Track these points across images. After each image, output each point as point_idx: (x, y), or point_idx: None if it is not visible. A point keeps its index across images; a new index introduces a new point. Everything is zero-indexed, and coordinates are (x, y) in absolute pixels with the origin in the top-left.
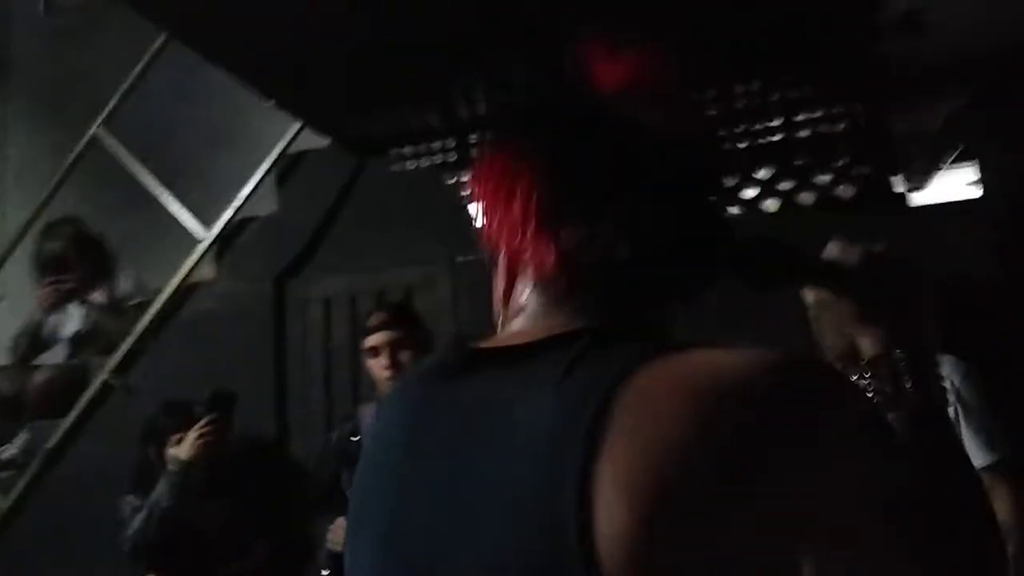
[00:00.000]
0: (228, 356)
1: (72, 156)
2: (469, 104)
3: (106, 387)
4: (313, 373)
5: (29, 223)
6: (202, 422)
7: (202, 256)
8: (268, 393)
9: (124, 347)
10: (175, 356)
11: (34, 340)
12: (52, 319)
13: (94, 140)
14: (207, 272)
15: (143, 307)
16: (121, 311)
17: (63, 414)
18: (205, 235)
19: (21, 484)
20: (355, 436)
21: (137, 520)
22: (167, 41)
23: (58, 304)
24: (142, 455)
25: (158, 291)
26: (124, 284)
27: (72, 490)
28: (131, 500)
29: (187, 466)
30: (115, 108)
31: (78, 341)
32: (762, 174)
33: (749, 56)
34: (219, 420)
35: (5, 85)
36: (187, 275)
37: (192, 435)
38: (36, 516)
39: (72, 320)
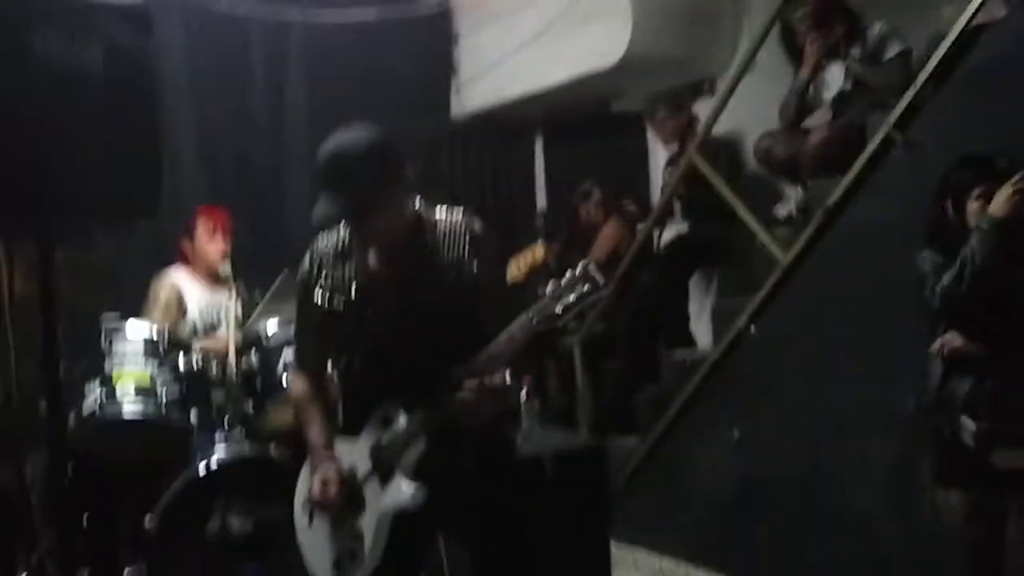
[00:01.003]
0: None
1: None
2: None
3: (886, 142)
4: None
5: None
6: (1017, 177)
7: None
8: None
9: (903, 100)
10: (961, 107)
11: (801, 103)
12: (814, 84)
13: None
14: (994, 11)
15: (905, 57)
16: (880, 65)
17: (841, 172)
18: None
19: (801, 240)
20: None
21: (946, 277)
22: None
23: (824, 59)
24: (936, 210)
25: (938, 37)
26: (877, 36)
27: (853, 246)
28: (929, 255)
29: (1000, 223)
30: None
31: (841, 101)
32: None
33: None
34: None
35: None
36: (972, 16)
37: (1005, 191)
38: (817, 271)
39: (834, 80)
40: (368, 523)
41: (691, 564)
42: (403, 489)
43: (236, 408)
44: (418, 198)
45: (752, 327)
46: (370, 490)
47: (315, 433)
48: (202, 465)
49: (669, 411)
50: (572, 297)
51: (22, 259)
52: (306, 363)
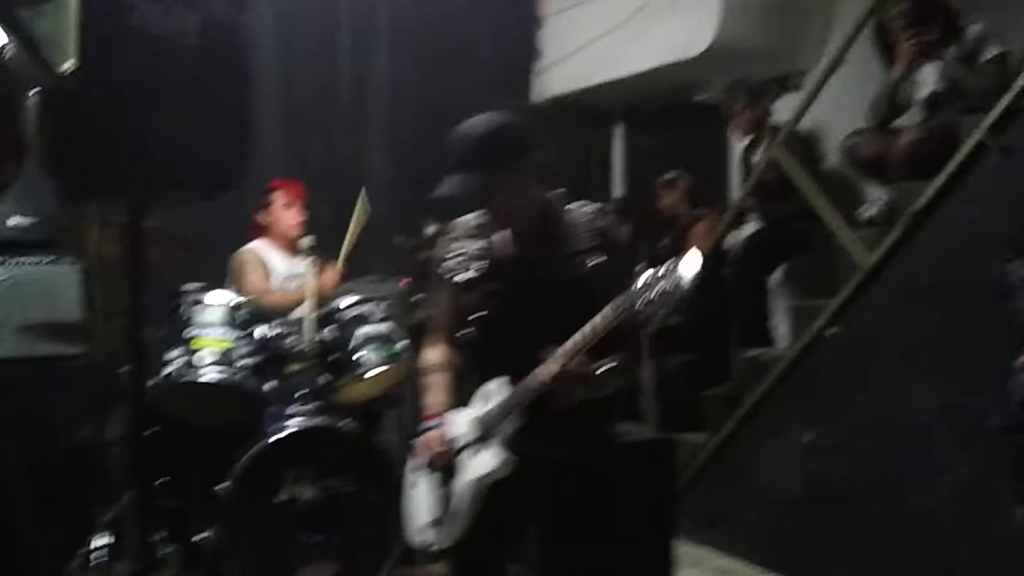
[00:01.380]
0: None
1: None
2: None
3: (980, 148)
4: None
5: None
6: None
7: None
8: None
9: (1000, 104)
10: None
11: (892, 102)
12: (906, 83)
13: None
14: None
15: (1003, 60)
16: (976, 67)
17: (930, 175)
18: None
19: (886, 243)
20: None
21: None
22: None
23: (918, 58)
24: None
25: None
26: (974, 37)
27: (939, 252)
28: (1018, 267)
29: None
30: None
31: (934, 102)
32: None
33: None
34: None
35: None
36: None
37: None
38: (900, 276)
39: (927, 80)
40: (462, 489)
41: (754, 565)
42: (492, 458)
43: (310, 381)
44: (554, 189)
45: (831, 329)
46: (469, 458)
47: (434, 397)
48: (274, 435)
49: (741, 409)
50: (654, 295)
51: (113, 224)
52: (438, 332)
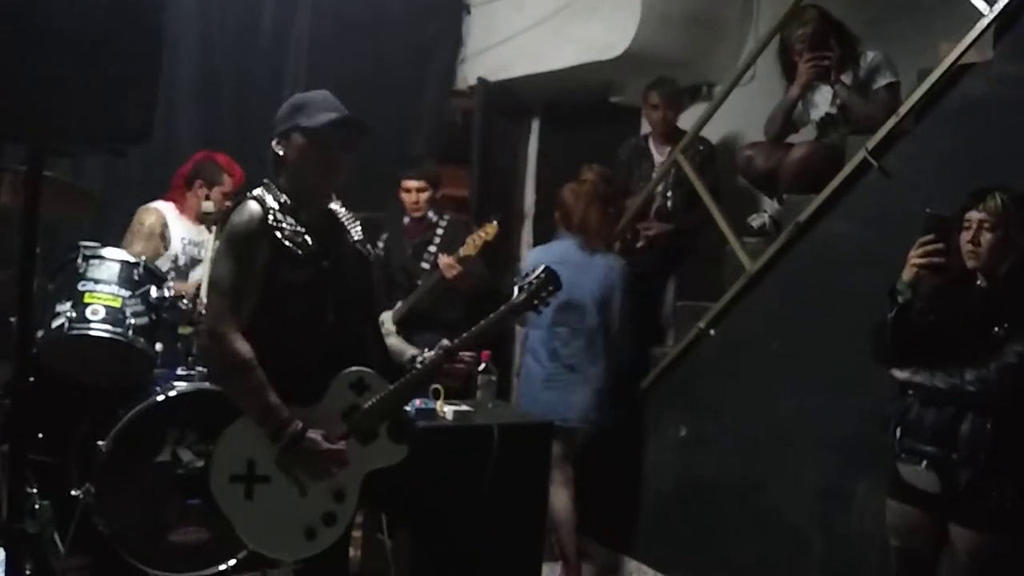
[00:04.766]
0: (998, 145)
1: None
2: None
3: (862, 167)
4: None
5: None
6: (918, 244)
7: (981, 34)
8: None
9: (884, 128)
10: (939, 142)
11: (788, 119)
12: (802, 103)
13: None
14: (982, 53)
15: (893, 88)
16: (868, 93)
17: (816, 190)
18: (988, 11)
19: (769, 251)
20: None
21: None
22: None
23: (815, 80)
24: None
25: (924, 72)
26: (869, 65)
27: (817, 263)
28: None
29: (908, 287)
30: None
31: (826, 123)
32: None
33: None
34: (930, 244)
35: None
36: (960, 55)
37: (911, 256)
38: (779, 283)
39: (821, 102)
40: (352, 483)
41: (624, 555)
42: (393, 447)
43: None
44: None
45: (711, 330)
46: (351, 451)
47: (275, 397)
48: (160, 395)
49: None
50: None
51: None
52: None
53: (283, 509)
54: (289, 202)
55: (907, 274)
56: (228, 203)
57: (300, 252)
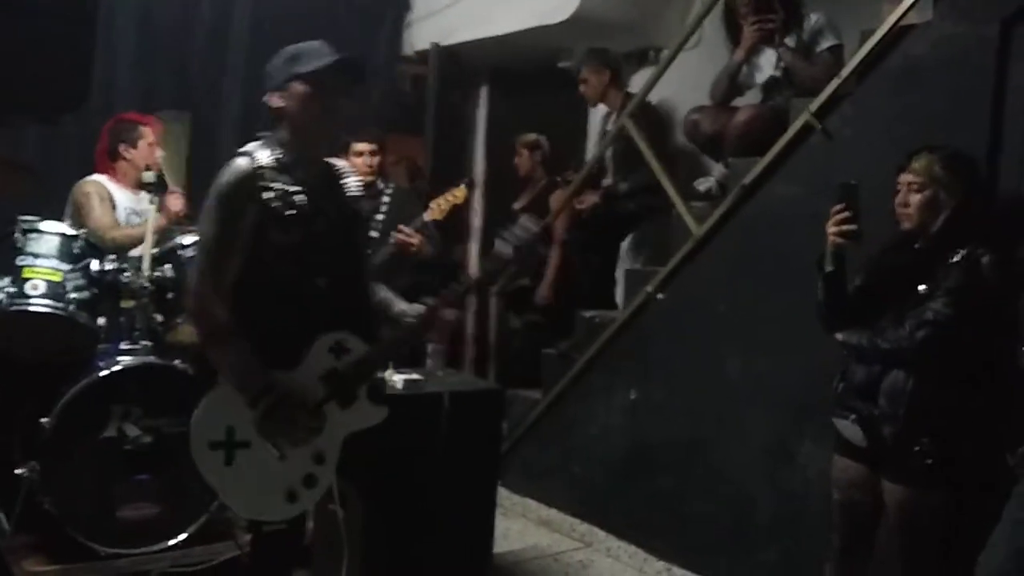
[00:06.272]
0: (940, 106)
1: None
2: None
3: (806, 129)
4: None
5: None
6: (832, 213)
7: None
8: (981, 148)
9: (827, 90)
10: (880, 103)
11: (733, 83)
12: (747, 66)
13: None
14: (922, 14)
15: (836, 51)
16: (811, 56)
17: (760, 153)
18: None
19: (715, 215)
20: None
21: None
22: None
23: (759, 43)
24: None
25: (866, 33)
26: (812, 28)
27: (762, 226)
28: None
29: (833, 256)
30: None
31: (771, 87)
32: None
33: None
34: (841, 212)
35: None
36: (901, 17)
37: (828, 226)
38: (726, 246)
39: (766, 65)
40: (331, 445)
41: (575, 518)
42: (372, 409)
43: (145, 318)
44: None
45: (659, 294)
46: (330, 414)
47: (254, 363)
48: (104, 369)
49: (574, 367)
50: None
51: None
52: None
53: (264, 473)
54: (285, 158)
55: (829, 245)
56: (161, 153)
57: (291, 213)
